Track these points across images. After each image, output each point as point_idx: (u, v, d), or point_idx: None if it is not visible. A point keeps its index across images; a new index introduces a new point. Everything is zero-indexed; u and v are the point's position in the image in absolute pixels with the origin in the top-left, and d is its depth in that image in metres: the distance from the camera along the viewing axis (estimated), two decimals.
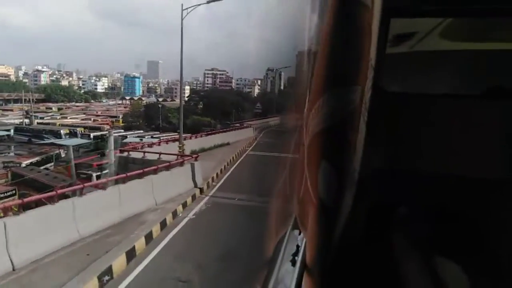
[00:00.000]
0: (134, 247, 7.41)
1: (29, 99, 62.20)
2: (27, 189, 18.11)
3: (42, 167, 25.64)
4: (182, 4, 17.52)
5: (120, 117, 58.15)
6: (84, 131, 43.29)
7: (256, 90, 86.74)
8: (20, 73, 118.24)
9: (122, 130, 43.81)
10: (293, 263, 1.32)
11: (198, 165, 13.18)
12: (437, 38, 1.52)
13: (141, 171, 10.22)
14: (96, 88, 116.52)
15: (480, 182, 1.26)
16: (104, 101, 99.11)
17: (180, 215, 10.24)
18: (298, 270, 1.19)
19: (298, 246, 1.39)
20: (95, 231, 7.94)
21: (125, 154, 14.23)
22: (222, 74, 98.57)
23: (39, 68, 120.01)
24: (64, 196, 8.81)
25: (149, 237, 8.15)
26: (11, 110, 68.72)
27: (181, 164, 12.44)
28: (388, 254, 1.21)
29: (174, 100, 79.47)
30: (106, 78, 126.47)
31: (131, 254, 7.21)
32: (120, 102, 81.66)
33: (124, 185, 9.32)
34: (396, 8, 1.21)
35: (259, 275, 1.52)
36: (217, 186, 13.95)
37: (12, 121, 54.25)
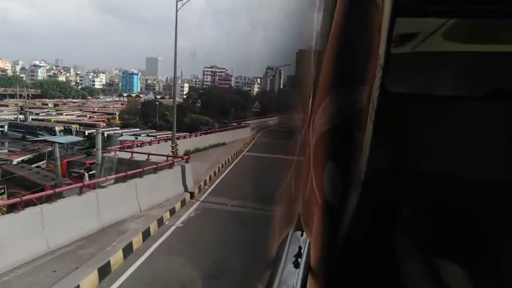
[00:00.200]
0: (109, 262, 6.56)
1: (25, 94, 61.32)
2: (17, 188, 17.46)
3: (33, 165, 24.97)
4: None
5: (117, 114, 57.45)
6: (79, 128, 42.58)
7: (256, 89, 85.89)
8: (18, 68, 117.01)
9: (118, 128, 43.12)
10: (296, 264, 1.30)
11: (189, 167, 12.32)
12: (440, 39, 1.52)
13: (123, 174, 9.35)
14: (93, 85, 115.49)
15: (484, 184, 1.25)
16: (101, 97, 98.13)
17: (167, 223, 9.38)
18: (303, 272, 1.20)
19: (300, 248, 1.37)
20: (67, 243, 7.08)
21: (112, 154, 13.31)
22: (222, 72, 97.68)
23: (37, 63, 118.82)
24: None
25: (128, 250, 7.29)
26: (6, 106, 67.76)
27: (171, 166, 11.57)
28: (392, 254, 1.20)
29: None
30: (104, 75, 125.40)
31: (104, 271, 6.36)
32: (117, 99, 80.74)
33: (103, 189, 8.47)
34: (402, 8, 1.09)
35: (261, 275, 1.54)
36: (209, 190, 13.10)
37: (6, 117, 53.51)
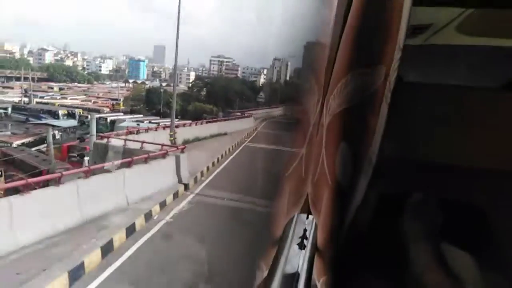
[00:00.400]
0: (82, 263, 5.85)
1: (30, 77, 61.10)
2: (15, 171, 17.37)
3: (34, 148, 24.72)
4: None
5: (121, 100, 57.16)
6: (82, 113, 42.29)
7: (262, 80, 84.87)
8: (25, 51, 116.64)
9: (122, 114, 42.77)
10: (301, 245, 1.28)
11: (185, 157, 11.55)
12: (453, 32, 1.56)
13: (109, 163, 8.61)
14: (100, 70, 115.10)
15: (496, 174, 1.24)
16: (107, 83, 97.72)
17: (156, 217, 8.65)
18: (309, 253, 1.19)
19: (305, 230, 1.35)
20: (39, 239, 6.36)
21: (104, 141, 12.57)
22: (228, 62, 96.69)
23: (44, 47, 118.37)
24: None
25: (107, 248, 6.56)
26: (11, 88, 67.60)
27: (164, 156, 10.81)
28: (399, 239, 1.22)
29: (178, 86, 78.59)
30: (111, 60, 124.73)
31: (76, 274, 5.64)
32: (123, 85, 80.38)
33: (85, 180, 7.71)
34: None
35: (265, 254, 1.48)
36: (206, 182, 12.34)
37: (11, 99, 53.44)
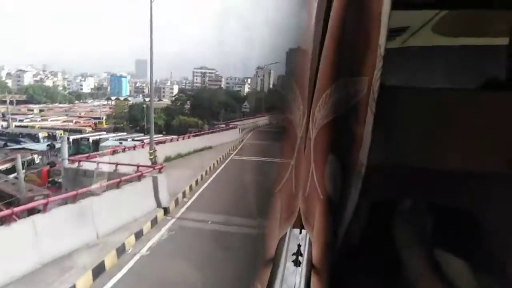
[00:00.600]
0: None
1: (8, 100, 59.52)
2: None
3: (12, 175, 23.54)
4: None
5: (104, 118, 56.19)
6: (63, 134, 41.17)
7: (246, 89, 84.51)
8: (3, 73, 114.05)
9: (104, 132, 41.80)
10: (295, 262, 1.28)
11: (163, 178, 10.60)
12: (430, 33, 1.60)
13: (74, 192, 7.60)
14: (81, 89, 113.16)
15: (481, 177, 1.25)
16: (89, 101, 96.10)
17: (130, 250, 7.67)
18: (306, 269, 1.18)
19: (299, 246, 1.35)
20: None
21: (75, 165, 11.53)
22: (212, 73, 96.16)
23: (23, 68, 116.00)
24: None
25: None
26: None
27: (139, 178, 9.84)
28: (393, 248, 1.20)
29: (162, 100, 77.66)
30: (92, 78, 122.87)
31: None
32: (105, 102, 79.21)
33: (44, 214, 6.71)
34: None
35: (260, 275, 1.46)
36: (188, 203, 11.40)
37: None
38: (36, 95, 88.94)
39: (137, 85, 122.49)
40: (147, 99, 77.95)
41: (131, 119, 52.02)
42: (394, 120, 1.28)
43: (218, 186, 13.68)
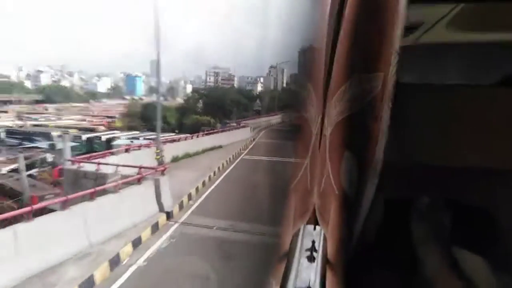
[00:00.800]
0: None
1: (23, 100, 60.61)
2: (3, 199, 16.24)
3: (26, 173, 23.80)
4: None
5: (117, 117, 56.48)
6: (77, 133, 41.39)
7: (259, 88, 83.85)
8: (22, 74, 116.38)
9: (118, 131, 41.88)
10: (310, 258, 1.22)
11: (166, 180, 9.89)
12: (444, 29, 1.53)
13: (64, 198, 6.93)
14: (97, 89, 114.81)
15: (498, 174, 1.21)
16: (104, 101, 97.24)
17: (125, 261, 6.95)
18: (321, 265, 1.15)
19: (313, 242, 1.29)
20: None
21: (75, 166, 10.93)
22: (225, 72, 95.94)
23: (41, 69, 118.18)
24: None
25: None
26: (6, 112, 66.91)
27: (139, 181, 9.14)
28: (409, 245, 1.17)
29: (175, 99, 78.11)
30: (108, 78, 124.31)
31: None
32: (120, 102, 79.99)
33: (29, 223, 6.05)
34: None
35: (274, 270, 1.43)
36: (194, 206, 10.66)
37: (4, 123, 52.76)
38: (53, 94, 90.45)
39: (151, 84, 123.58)
40: (161, 98, 78.30)
41: (144, 118, 52.09)
42: (409, 117, 1.27)
43: (226, 188, 12.89)
